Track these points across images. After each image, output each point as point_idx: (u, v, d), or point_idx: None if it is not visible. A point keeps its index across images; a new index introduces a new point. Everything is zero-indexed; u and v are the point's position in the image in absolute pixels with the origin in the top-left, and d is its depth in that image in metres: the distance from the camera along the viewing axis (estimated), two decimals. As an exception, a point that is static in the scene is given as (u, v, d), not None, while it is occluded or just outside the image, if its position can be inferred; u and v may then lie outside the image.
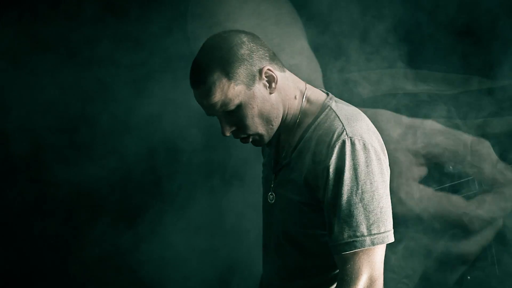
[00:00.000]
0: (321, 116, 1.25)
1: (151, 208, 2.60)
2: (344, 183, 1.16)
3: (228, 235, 2.54)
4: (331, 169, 1.17)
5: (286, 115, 1.29)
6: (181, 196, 2.58)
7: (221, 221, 2.54)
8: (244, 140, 1.29)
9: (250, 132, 1.26)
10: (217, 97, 1.19)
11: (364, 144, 1.18)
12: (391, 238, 1.20)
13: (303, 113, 1.30)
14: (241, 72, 1.19)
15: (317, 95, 1.31)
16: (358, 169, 1.17)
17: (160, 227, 2.58)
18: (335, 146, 1.17)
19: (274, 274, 1.38)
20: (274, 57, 1.26)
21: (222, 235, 2.56)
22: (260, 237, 1.46)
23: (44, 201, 2.60)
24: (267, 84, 1.23)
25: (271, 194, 1.34)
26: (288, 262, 1.33)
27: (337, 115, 1.23)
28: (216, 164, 2.58)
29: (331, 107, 1.26)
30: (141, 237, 2.58)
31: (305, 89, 1.31)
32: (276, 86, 1.24)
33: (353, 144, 1.17)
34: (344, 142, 1.18)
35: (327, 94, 1.32)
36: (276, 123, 1.27)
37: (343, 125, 1.20)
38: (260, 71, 1.22)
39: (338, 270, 1.28)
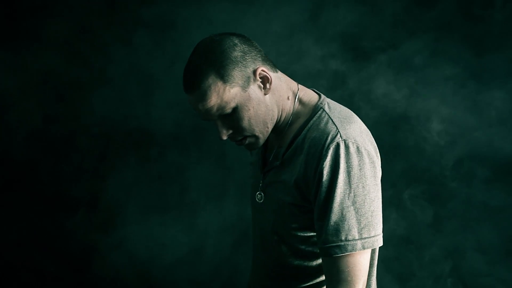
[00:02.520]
0: (314, 118, 1.24)
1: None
2: (337, 186, 1.15)
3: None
4: (325, 172, 1.16)
5: (280, 116, 1.27)
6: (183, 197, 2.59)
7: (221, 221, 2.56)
8: (240, 142, 1.27)
9: (247, 134, 1.24)
10: (213, 101, 1.17)
11: (357, 147, 1.17)
12: (380, 242, 1.20)
13: (295, 114, 1.28)
14: (236, 74, 1.17)
15: (310, 96, 1.30)
16: (351, 172, 1.16)
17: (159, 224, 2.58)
18: (329, 149, 1.16)
19: (264, 275, 1.37)
20: (266, 58, 1.24)
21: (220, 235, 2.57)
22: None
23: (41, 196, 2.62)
24: (262, 85, 1.22)
25: (259, 194, 1.33)
26: (278, 263, 1.32)
27: (330, 118, 1.22)
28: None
29: (324, 109, 1.24)
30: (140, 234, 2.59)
31: (297, 89, 1.30)
32: (270, 86, 1.22)
33: (347, 147, 1.16)
34: (338, 144, 1.16)
35: (319, 96, 1.30)
36: (271, 125, 1.26)
37: (337, 128, 1.19)
38: (254, 72, 1.20)
39: None
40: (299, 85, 1.31)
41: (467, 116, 2.30)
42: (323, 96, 1.30)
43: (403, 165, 2.34)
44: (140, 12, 2.48)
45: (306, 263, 1.30)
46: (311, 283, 1.31)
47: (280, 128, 1.29)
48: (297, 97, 1.29)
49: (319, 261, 1.29)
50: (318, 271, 1.30)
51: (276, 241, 1.31)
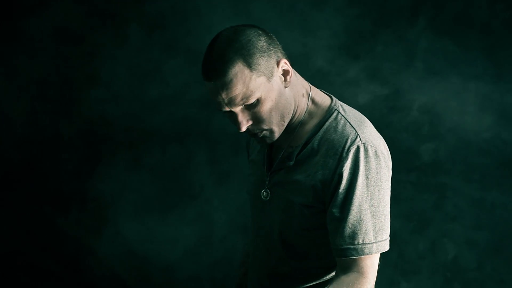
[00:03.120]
0: (330, 120, 1.23)
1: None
2: (356, 189, 1.16)
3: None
4: (345, 174, 1.16)
5: (295, 113, 1.25)
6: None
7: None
8: (256, 136, 1.23)
9: (265, 127, 1.20)
10: (239, 89, 1.13)
11: (375, 151, 1.18)
12: (388, 246, 1.21)
13: (308, 113, 1.26)
14: (262, 63, 1.14)
15: (322, 97, 1.29)
16: (369, 176, 1.17)
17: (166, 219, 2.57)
18: (350, 152, 1.16)
19: (264, 275, 1.35)
20: (284, 53, 1.22)
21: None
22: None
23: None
24: (282, 78, 1.19)
25: (265, 191, 1.31)
26: (280, 263, 1.31)
27: (348, 120, 1.21)
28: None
29: (339, 112, 1.24)
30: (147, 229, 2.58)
31: (310, 89, 1.28)
32: (290, 80, 1.20)
33: (366, 150, 1.17)
34: (358, 148, 1.16)
35: (331, 97, 1.29)
36: (288, 119, 1.23)
37: (356, 131, 1.19)
38: (277, 63, 1.18)
39: (332, 273, 1.29)
40: (311, 85, 1.30)
41: (464, 110, 2.31)
42: (335, 98, 1.30)
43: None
44: (134, 7, 2.45)
45: (309, 264, 1.30)
46: (313, 283, 1.30)
47: (291, 126, 1.27)
48: (310, 96, 1.28)
49: (323, 261, 1.29)
50: (321, 272, 1.30)
51: (280, 241, 1.30)
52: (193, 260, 2.54)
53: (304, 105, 1.26)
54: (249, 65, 1.13)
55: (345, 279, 1.17)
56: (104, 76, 2.50)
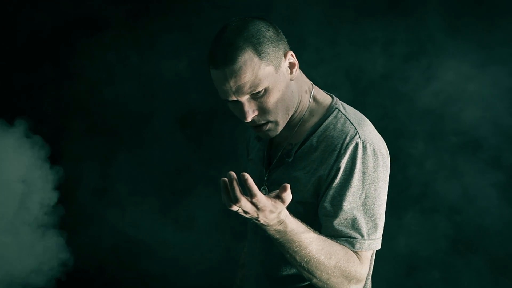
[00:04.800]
0: (330, 118, 1.24)
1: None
2: (351, 185, 1.17)
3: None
4: (342, 169, 1.17)
5: (297, 107, 1.26)
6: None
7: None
8: (260, 128, 1.23)
9: (271, 119, 1.21)
10: (247, 77, 1.14)
11: (374, 150, 1.19)
12: (380, 245, 1.22)
13: (309, 111, 1.28)
14: (271, 52, 1.16)
15: (323, 96, 1.30)
16: (366, 173, 1.17)
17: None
18: (348, 148, 1.17)
19: (263, 274, 1.35)
20: (289, 46, 1.24)
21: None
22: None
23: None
24: (289, 70, 1.21)
25: (264, 189, 1.31)
26: (279, 262, 1.30)
27: (348, 118, 1.23)
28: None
29: (339, 110, 1.25)
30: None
31: (312, 87, 1.30)
32: (296, 73, 1.22)
33: (364, 147, 1.18)
34: (357, 144, 1.18)
35: (332, 97, 1.31)
36: (291, 113, 1.25)
37: (355, 128, 1.20)
38: (285, 55, 1.20)
39: None
40: (313, 84, 1.32)
41: (462, 105, 2.28)
42: (335, 97, 1.31)
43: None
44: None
45: None
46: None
47: (292, 123, 1.28)
48: (312, 94, 1.29)
49: None
50: None
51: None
52: (187, 255, 2.53)
53: (306, 101, 1.27)
54: (259, 53, 1.14)
55: (348, 250, 1.17)
56: (84, 68, 2.49)
